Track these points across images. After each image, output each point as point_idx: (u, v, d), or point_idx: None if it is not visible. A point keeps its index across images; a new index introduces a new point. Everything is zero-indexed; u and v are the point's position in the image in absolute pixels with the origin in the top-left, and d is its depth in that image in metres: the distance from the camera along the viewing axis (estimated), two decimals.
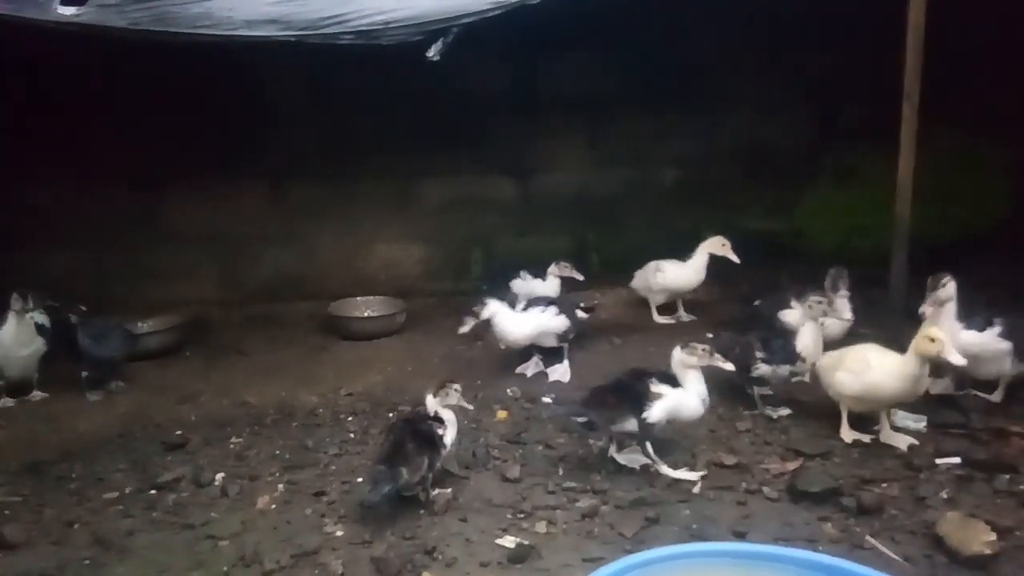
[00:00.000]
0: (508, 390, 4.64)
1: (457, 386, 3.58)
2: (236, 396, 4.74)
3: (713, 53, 6.28)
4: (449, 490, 3.47)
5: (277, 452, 4.00)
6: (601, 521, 3.23)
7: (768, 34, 6.15)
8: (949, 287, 3.79)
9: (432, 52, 4.24)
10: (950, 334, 3.58)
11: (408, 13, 4.34)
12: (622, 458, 3.65)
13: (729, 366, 3.64)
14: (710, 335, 5.05)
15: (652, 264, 5.69)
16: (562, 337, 4.83)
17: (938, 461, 3.51)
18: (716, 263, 5.68)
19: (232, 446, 4.09)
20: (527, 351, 4.91)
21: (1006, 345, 3.84)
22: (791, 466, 3.57)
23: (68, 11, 4.02)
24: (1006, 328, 3.84)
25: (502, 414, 4.36)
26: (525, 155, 6.54)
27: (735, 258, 5.44)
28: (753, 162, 6.63)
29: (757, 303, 5.18)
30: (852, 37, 5.97)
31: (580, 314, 5.01)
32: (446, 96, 5.96)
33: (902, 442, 3.67)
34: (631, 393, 3.55)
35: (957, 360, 3.38)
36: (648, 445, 3.56)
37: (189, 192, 6.22)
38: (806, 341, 4.01)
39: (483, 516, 3.31)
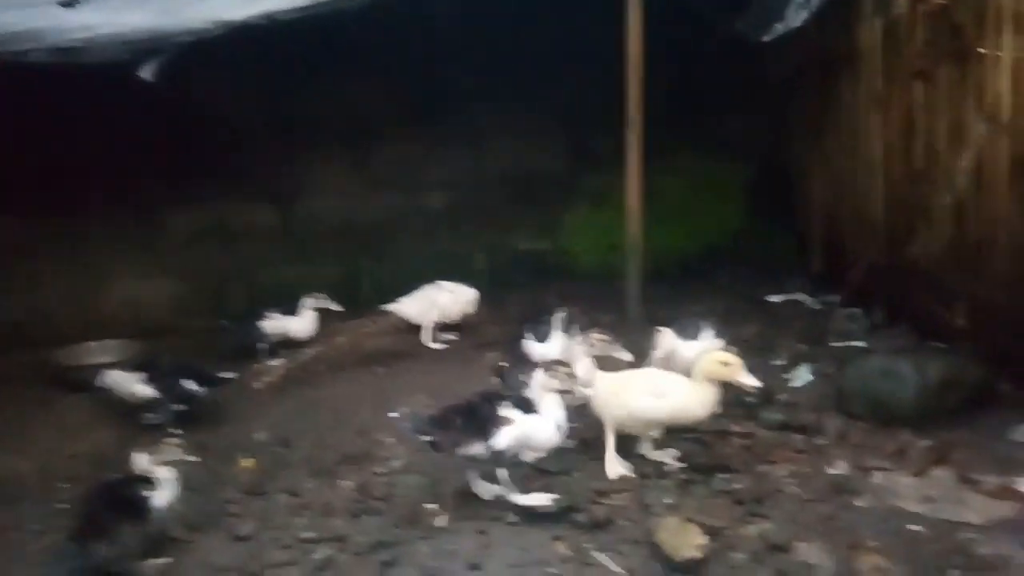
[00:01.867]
0: (256, 435, 4.33)
1: (176, 439, 3.24)
2: None
3: (472, 81, 6.38)
4: (165, 559, 3.13)
5: None
6: (335, 572, 3.05)
7: (523, 65, 6.34)
8: (665, 338, 4.05)
9: (145, 72, 3.88)
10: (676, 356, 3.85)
11: (115, 31, 3.96)
12: (480, 488, 3.47)
13: (590, 392, 3.54)
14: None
15: (433, 285, 5.62)
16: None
17: (664, 463, 3.64)
18: (484, 281, 5.75)
19: None
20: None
21: (719, 345, 4.14)
22: (533, 486, 3.58)
23: None
24: (715, 330, 4.15)
25: (247, 463, 4.05)
26: (285, 180, 6.25)
27: None
28: (518, 186, 6.82)
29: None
30: (597, 69, 6.33)
31: (190, 385, 4.45)
32: (192, 119, 5.55)
33: (668, 456, 3.68)
34: (479, 416, 3.34)
35: (752, 382, 3.43)
36: (502, 472, 3.36)
37: None
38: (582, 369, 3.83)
39: None
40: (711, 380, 3.47)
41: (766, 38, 4.97)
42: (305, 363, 5.20)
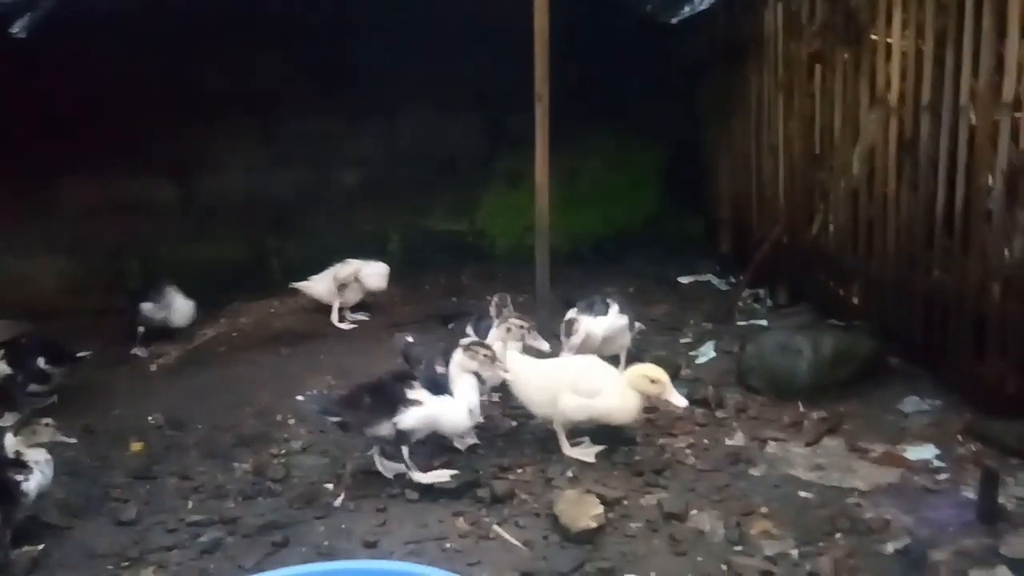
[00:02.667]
0: (150, 417, 4.13)
1: (48, 420, 3.04)
2: None
3: (384, 54, 6.22)
4: (40, 546, 2.93)
5: None
6: (223, 555, 2.92)
7: (437, 39, 6.22)
8: (579, 331, 3.95)
9: (17, 28, 3.62)
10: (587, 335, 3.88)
11: None
12: (381, 466, 3.38)
13: (508, 376, 3.44)
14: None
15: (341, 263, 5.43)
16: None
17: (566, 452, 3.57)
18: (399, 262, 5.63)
19: None
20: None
21: (625, 320, 4.19)
22: (437, 463, 3.54)
23: None
24: (620, 305, 4.19)
25: (136, 446, 3.85)
26: (186, 153, 5.95)
27: None
28: (434, 164, 6.69)
29: (451, 326, 4.73)
30: (515, 46, 6.26)
31: (43, 365, 4.20)
32: (84, 87, 5.22)
33: (589, 455, 3.55)
34: (387, 396, 3.25)
35: (679, 402, 3.35)
36: (404, 450, 3.25)
37: None
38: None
39: (76, 572, 2.84)
40: (638, 391, 3.37)
41: (674, 20, 5.01)
42: (205, 344, 5.00)
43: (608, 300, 4.17)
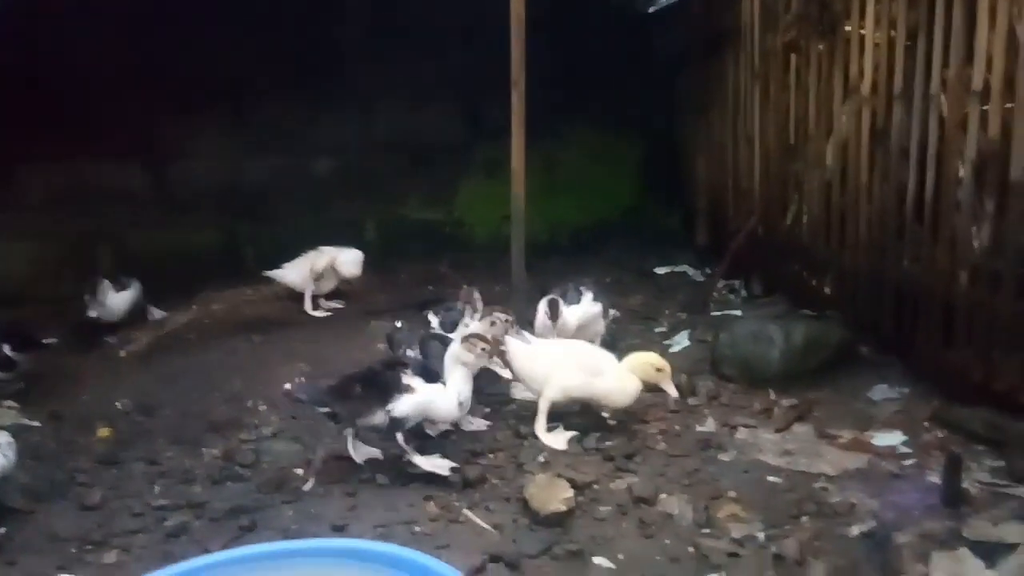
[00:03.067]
0: (118, 403, 4.08)
1: (11, 402, 2.99)
2: None
3: (359, 40, 6.18)
4: (1, 530, 2.89)
5: None
6: (188, 539, 2.89)
7: (414, 27, 6.18)
8: (563, 313, 4.02)
9: None
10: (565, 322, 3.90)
11: None
12: (354, 451, 3.34)
13: (507, 374, 3.43)
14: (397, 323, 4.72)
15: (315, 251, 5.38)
16: None
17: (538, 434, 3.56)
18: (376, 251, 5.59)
19: None
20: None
21: (599, 308, 4.21)
22: (410, 448, 3.52)
23: None
24: (594, 293, 4.20)
25: (104, 432, 3.80)
26: (158, 140, 5.88)
27: None
28: (410, 152, 6.66)
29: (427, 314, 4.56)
30: (493, 33, 6.24)
31: (8, 352, 4.09)
32: (52, 70, 5.12)
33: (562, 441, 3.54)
34: (379, 383, 3.21)
35: (674, 393, 3.52)
36: (399, 436, 3.21)
37: None
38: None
39: (39, 555, 2.79)
40: (640, 378, 3.48)
41: (651, 9, 5.02)
42: (176, 331, 4.94)
43: (582, 288, 4.18)
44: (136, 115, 5.65)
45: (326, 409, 3.30)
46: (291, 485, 3.25)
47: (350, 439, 3.38)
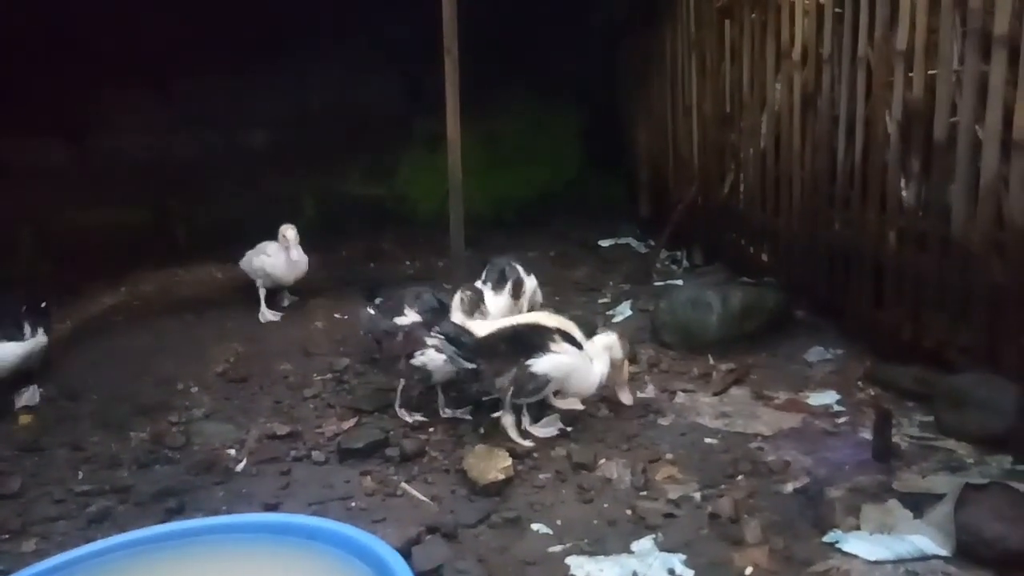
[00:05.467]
0: (41, 389, 3.90)
1: None
2: None
3: (294, 8, 5.97)
4: None
5: None
6: (111, 524, 2.77)
7: None
8: (527, 291, 4.00)
9: None
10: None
11: None
12: (537, 430, 3.27)
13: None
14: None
15: (260, 245, 4.89)
16: None
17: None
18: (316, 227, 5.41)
19: None
20: None
21: (534, 281, 4.16)
22: (347, 425, 3.46)
23: None
24: (523, 267, 4.15)
25: (24, 419, 3.64)
26: (78, 112, 5.59)
27: None
28: (349, 126, 6.49)
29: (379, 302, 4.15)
30: (425, 2, 6.10)
31: None
32: None
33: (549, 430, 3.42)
34: (526, 342, 3.15)
35: (627, 400, 3.44)
36: (508, 398, 3.14)
37: None
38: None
39: None
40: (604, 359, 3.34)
41: None
42: (102, 313, 4.75)
43: (512, 263, 4.11)
44: (57, 88, 5.37)
45: (471, 366, 3.15)
46: (222, 466, 3.16)
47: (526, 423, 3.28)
